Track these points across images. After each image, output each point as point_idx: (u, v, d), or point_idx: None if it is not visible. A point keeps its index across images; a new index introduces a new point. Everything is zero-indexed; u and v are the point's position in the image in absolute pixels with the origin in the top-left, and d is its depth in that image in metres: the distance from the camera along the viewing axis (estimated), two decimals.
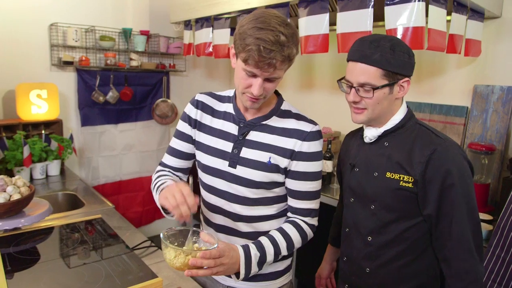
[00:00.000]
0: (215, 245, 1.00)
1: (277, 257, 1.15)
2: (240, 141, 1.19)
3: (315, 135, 1.17)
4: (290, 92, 3.26)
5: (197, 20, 2.86)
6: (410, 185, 1.11)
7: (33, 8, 2.70)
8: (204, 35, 2.80)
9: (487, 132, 2.14)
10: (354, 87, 1.12)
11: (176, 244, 1.03)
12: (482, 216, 1.82)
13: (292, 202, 1.21)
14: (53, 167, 2.49)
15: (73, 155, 2.76)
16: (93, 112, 3.09)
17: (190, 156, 1.30)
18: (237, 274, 1.08)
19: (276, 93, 1.24)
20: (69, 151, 2.53)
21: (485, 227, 1.69)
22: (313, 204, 1.21)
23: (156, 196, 1.17)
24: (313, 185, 1.19)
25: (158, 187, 1.17)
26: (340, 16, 1.84)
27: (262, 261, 1.11)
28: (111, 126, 3.24)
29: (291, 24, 1.05)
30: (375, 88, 1.08)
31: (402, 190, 1.12)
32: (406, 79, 1.10)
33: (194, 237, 1.05)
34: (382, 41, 1.08)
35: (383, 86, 1.08)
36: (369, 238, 1.19)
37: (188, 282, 1.28)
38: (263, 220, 1.22)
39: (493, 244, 1.58)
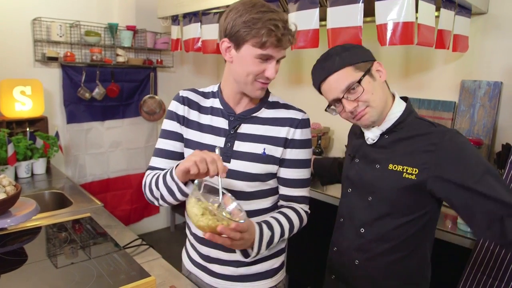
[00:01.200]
0: (243, 220, 0.98)
1: (281, 238, 1.15)
2: (232, 135, 1.18)
3: (306, 123, 1.21)
4: (279, 87, 3.25)
5: (185, 15, 2.82)
6: (413, 177, 1.09)
7: (14, 2, 2.62)
8: (193, 31, 2.77)
9: (474, 127, 2.17)
10: (342, 98, 1.12)
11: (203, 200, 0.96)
12: None
13: (285, 190, 1.22)
14: (39, 166, 2.43)
15: (60, 153, 2.70)
16: (79, 109, 3.04)
17: (181, 156, 1.25)
18: (245, 253, 1.08)
19: None
20: (55, 149, 2.48)
21: None
22: (305, 192, 1.24)
23: (160, 183, 1.10)
24: (304, 173, 1.22)
25: (158, 176, 1.12)
26: (331, 11, 1.83)
27: (270, 241, 1.11)
28: (97, 123, 3.19)
29: None
30: (356, 84, 1.09)
31: (404, 182, 1.11)
32: (376, 62, 1.13)
33: (221, 200, 1.02)
34: (331, 50, 1.14)
35: (362, 77, 1.09)
36: (362, 230, 1.20)
37: (181, 280, 1.27)
38: (259, 215, 1.22)
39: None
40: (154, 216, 3.74)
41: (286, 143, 1.17)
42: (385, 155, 1.16)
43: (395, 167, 1.13)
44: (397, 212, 1.14)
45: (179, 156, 1.24)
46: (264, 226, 1.10)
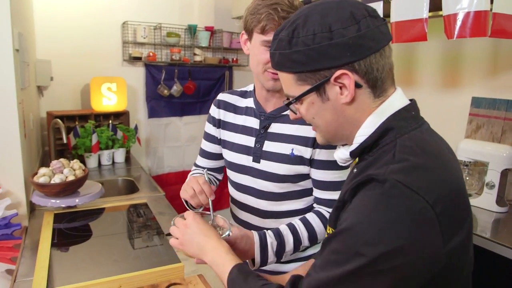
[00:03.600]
0: (227, 232, 0.99)
1: (298, 247, 1.11)
2: (262, 134, 1.17)
3: None
4: None
5: None
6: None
7: (107, 8, 2.94)
8: None
9: None
10: (284, 102, 0.79)
11: None
12: None
13: (316, 192, 1.17)
14: (119, 155, 2.70)
15: (141, 144, 2.97)
16: (159, 104, 3.28)
17: (220, 156, 1.33)
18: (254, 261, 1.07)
19: None
20: (132, 141, 2.72)
21: None
22: (336, 195, 1.15)
23: None
24: (337, 175, 1.13)
25: None
26: (395, 3, 1.71)
27: (280, 250, 1.07)
28: (176, 118, 3.42)
29: None
30: (289, 103, 0.75)
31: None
32: (339, 72, 0.66)
33: (209, 222, 1.06)
34: (282, 31, 0.71)
35: (300, 97, 0.71)
36: None
37: (211, 270, 1.29)
38: (292, 216, 1.19)
39: None
40: (226, 210, 3.88)
41: (315, 143, 1.11)
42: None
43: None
44: None
45: (216, 156, 1.33)
46: (269, 235, 1.06)
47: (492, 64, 2.17)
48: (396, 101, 0.70)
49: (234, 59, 3.51)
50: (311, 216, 1.14)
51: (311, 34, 0.66)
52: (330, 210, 1.15)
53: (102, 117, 2.77)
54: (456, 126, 2.28)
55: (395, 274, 0.58)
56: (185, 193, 1.09)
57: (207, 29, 3.31)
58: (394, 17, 1.72)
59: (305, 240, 1.10)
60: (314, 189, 1.17)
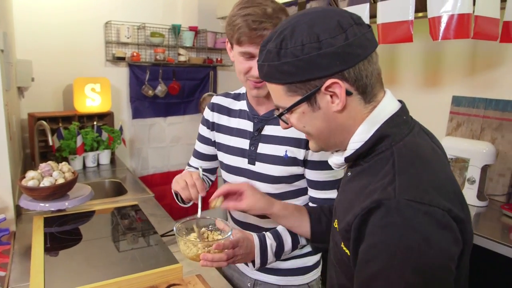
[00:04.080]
0: (229, 233, 1.00)
1: (296, 246, 1.13)
2: (256, 137, 1.18)
3: None
4: None
5: None
6: (347, 251, 0.71)
7: (90, 7, 2.89)
8: None
9: None
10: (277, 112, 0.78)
11: (192, 234, 1.06)
12: None
13: (312, 192, 1.19)
14: (104, 156, 2.66)
15: (124, 146, 2.93)
16: (143, 105, 3.25)
17: (213, 157, 1.35)
18: (254, 262, 1.08)
19: None
20: (118, 142, 2.69)
21: None
22: (333, 194, 1.17)
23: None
24: (331, 174, 1.15)
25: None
26: (381, 5, 1.76)
27: (279, 251, 1.09)
28: (160, 119, 3.39)
29: (278, 2, 1.06)
30: (281, 114, 0.75)
31: (342, 255, 0.74)
32: (330, 81, 0.66)
33: (210, 226, 1.07)
34: (269, 43, 0.72)
35: (291, 107, 0.72)
36: None
37: (210, 270, 1.30)
38: None
39: None
40: (208, 211, 3.87)
41: (308, 144, 1.12)
42: (336, 204, 0.84)
43: (336, 226, 0.78)
44: None
45: (209, 157, 1.35)
46: (268, 237, 1.08)
47: (471, 64, 2.26)
48: (387, 105, 0.72)
49: (219, 59, 3.50)
50: None
51: (299, 45, 0.66)
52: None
53: (85, 119, 2.72)
54: (437, 124, 2.36)
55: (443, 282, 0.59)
56: (177, 184, 1.11)
57: (191, 29, 3.29)
58: (380, 19, 1.76)
59: (303, 239, 1.13)
60: (309, 188, 1.19)
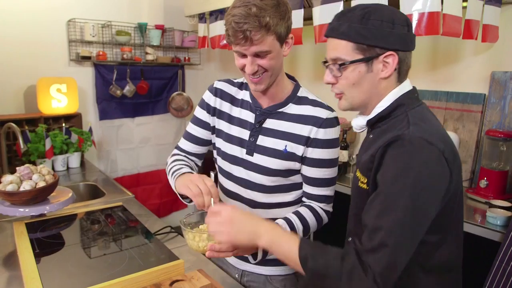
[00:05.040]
0: None
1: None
2: (256, 129, 1.20)
3: (331, 122, 1.17)
4: (304, 83, 3.24)
5: (211, 13, 2.88)
6: (365, 186, 0.94)
7: (51, 4, 2.76)
8: (219, 28, 2.82)
9: (506, 119, 2.11)
10: (328, 65, 0.97)
11: (197, 228, 1.06)
12: (501, 203, 1.81)
13: (307, 188, 1.22)
14: (74, 159, 2.56)
15: (93, 149, 2.83)
16: (110, 106, 3.16)
17: (206, 142, 1.33)
18: (254, 256, 1.10)
19: (293, 79, 1.25)
20: (88, 144, 2.60)
21: (504, 214, 1.68)
22: (328, 191, 1.22)
23: (171, 180, 1.21)
24: (329, 172, 1.19)
25: (174, 171, 1.20)
26: (355, 3, 1.83)
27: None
28: (128, 119, 3.31)
29: None
30: (342, 64, 0.92)
31: (360, 193, 0.96)
32: (390, 52, 0.89)
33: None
34: (355, 10, 0.91)
35: (354, 61, 0.90)
36: (349, 239, 1.10)
37: (209, 265, 1.32)
38: (281, 207, 1.25)
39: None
40: (183, 210, 3.84)
41: (308, 142, 1.16)
42: (359, 159, 1.02)
43: (358, 173, 0.98)
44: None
45: (202, 142, 1.32)
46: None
47: (433, 60, 2.41)
48: (406, 86, 0.96)
49: (186, 58, 3.47)
50: (304, 210, 1.19)
51: (379, 20, 0.88)
52: (320, 205, 1.22)
53: (51, 121, 2.61)
54: None
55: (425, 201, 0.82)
56: (188, 190, 1.06)
57: (158, 27, 3.24)
58: None
59: (300, 233, 1.16)
60: (304, 184, 1.23)
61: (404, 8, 1.65)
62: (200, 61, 3.60)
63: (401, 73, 0.94)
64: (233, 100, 1.27)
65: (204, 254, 1.02)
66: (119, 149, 3.30)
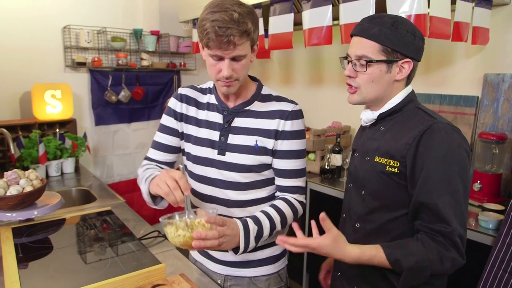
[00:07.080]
0: (216, 210, 1.06)
1: (272, 231, 1.18)
2: (226, 128, 1.22)
3: (297, 114, 1.22)
4: (299, 87, 3.25)
5: None
6: (395, 170, 1.05)
7: (46, 12, 2.79)
8: None
9: (499, 122, 2.09)
10: (351, 61, 1.10)
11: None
12: (494, 206, 1.79)
13: (279, 181, 1.25)
14: (68, 165, 2.56)
15: (88, 154, 2.83)
16: (106, 111, 3.17)
17: (175, 150, 1.33)
18: (235, 250, 1.11)
19: (255, 80, 1.29)
20: (82, 149, 2.61)
21: (497, 217, 1.66)
22: (299, 182, 1.26)
23: (144, 187, 1.20)
24: (299, 163, 1.24)
25: (147, 178, 1.20)
26: (343, 7, 1.84)
27: (259, 235, 1.14)
28: (124, 125, 3.31)
29: (246, 4, 1.10)
30: (369, 61, 1.05)
31: (387, 176, 1.07)
32: (407, 59, 1.05)
33: (192, 216, 1.07)
34: (385, 17, 1.06)
35: (379, 61, 1.05)
36: (357, 225, 1.17)
37: (192, 269, 1.31)
38: (256, 204, 1.26)
39: (503, 233, 1.55)
40: None
41: (277, 134, 1.20)
42: (374, 146, 1.13)
43: (380, 160, 1.09)
44: (385, 207, 1.10)
45: (172, 149, 1.32)
46: (250, 221, 1.13)
47: (425, 63, 2.41)
48: (410, 87, 1.14)
49: (182, 63, 3.49)
50: (279, 202, 1.22)
51: (405, 30, 1.04)
52: (294, 196, 1.25)
53: (46, 126, 2.62)
54: None
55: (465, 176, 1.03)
56: (159, 189, 1.05)
57: (153, 33, 3.26)
58: (343, 20, 1.85)
59: (278, 224, 1.18)
60: (276, 178, 1.26)
61: (391, 10, 1.65)
62: (195, 66, 3.61)
63: (410, 78, 1.11)
64: (198, 104, 1.28)
65: (190, 248, 1.02)
66: (115, 155, 3.30)
